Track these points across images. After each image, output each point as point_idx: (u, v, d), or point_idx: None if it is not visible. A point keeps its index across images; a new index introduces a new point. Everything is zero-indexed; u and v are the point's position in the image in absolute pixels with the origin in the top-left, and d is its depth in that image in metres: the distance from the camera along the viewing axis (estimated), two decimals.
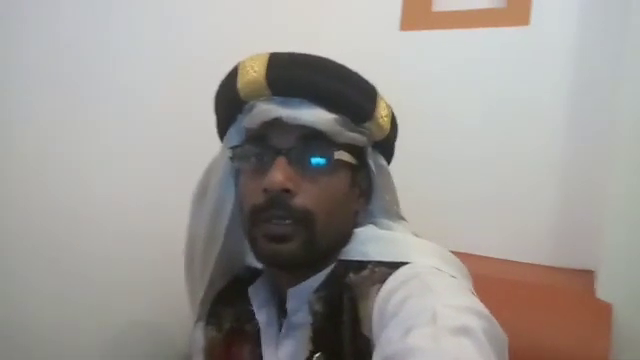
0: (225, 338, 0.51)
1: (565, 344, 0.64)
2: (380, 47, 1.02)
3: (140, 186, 0.68)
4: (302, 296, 0.46)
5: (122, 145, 0.65)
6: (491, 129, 0.93)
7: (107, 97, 0.63)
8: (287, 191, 0.42)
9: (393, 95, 0.51)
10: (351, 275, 0.44)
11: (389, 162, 0.52)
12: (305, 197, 0.43)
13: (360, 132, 0.46)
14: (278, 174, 0.42)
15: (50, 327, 0.58)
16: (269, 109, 0.43)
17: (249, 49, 0.47)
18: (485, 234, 0.92)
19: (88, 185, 0.62)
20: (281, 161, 0.43)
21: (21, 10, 0.53)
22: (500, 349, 0.35)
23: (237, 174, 0.49)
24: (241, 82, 0.45)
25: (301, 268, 0.46)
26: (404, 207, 0.53)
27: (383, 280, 0.42)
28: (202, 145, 0.52)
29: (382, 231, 0.48)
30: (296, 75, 0.44)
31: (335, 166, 0.44)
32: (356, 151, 0.46)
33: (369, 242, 0.46)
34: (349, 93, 0.44)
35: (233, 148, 0.46)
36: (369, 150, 0.48)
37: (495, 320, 0.36)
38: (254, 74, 0.43)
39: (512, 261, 0.89)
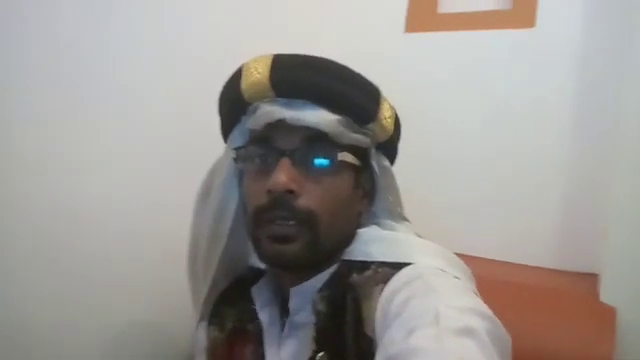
0: (227, 338, 0.52)
1: (569, 347, 0.63)
2: (385, 49, 1.02)
3: (140, 186, 0.68)
4: (305, 295, 0.46)
5: (122, 145, 0.65)
6: (496, 130, 0.93)
7: (107, 97, 0.63)
8: (291, 192, 0.42)
9: (397, 96, 0.51)
10: (354, 275, 0.44)
11: (392, 163, 0.52)
12: (309, 198, 0.43)
13: (364, 133, 0.46)
14: (282, 175, 0.42)
15: (50, 327, 0.58)
16: (273, 110, 0.43)
17: (249, 49, 0.47)
18: (488, 236, 0.92)
19: (88, 185, 0.62)
20: (285, 162, 0.43)
21: (21, 10, 0.53)
22: (503, 350, 0.35)
23: (241, 175, 0.49)
24: (245, 83, 0.45)
25: (304, 269, 0.46)
26: (406, 208, 0.53)
27: (386, 280, 0.42)
28: (202, 145, 0.52)
29: (385, 232, 0.48)
30: (300, 77, 0.44)
31: (339, 167, 0.45)
32: (360, 152, 0.47)
33: (372, 243, 0.46)
34: (352, 94, 0.45)
35: (237, 149, 0.47)
36: (372, 151, 0.48)
37: (498, 321, 0.36)
38: (258, 76, 0.44)
39: (515, 264, 0.88)
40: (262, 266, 0.52)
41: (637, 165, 0.71)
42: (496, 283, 0.66)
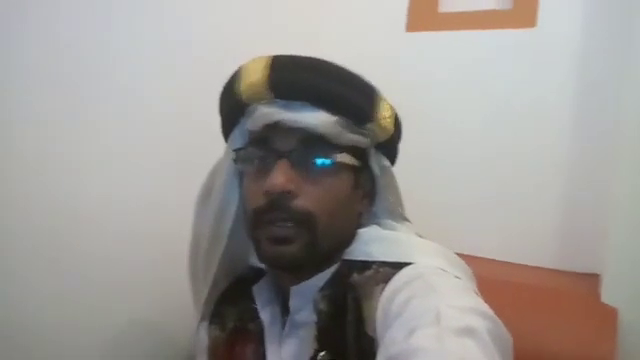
0: (229, 337, 0.52)
1: (570, 348, 0.63)
2: (386, 48, 1.02)
3: (140, 186, 0.68)
4: (305, 295, 0.46)
5: (122, 145, 0.65)
6: (496, 130, 0.93)
7: (107, 97, 0.63)
8: (288, 193, 0.43)
9: (398, 96, 0.51)
10: (355, 275, 0.44)
11: (393, 163, 0.52)
12: (306, 199, 0.43)
13: (362, 134, 0.46)
14: (279, 176, 0.42)
15: (50, 327, 0.58)
16: (271, 112, 0.44)
17: (249, 49, 0.47)
18: (488, 236, 0.92)
19: (88, 185, 0.62)
20: (283, 164, 0.43)
21: (21, 10, 0.53)
22: (504, 350, 0.35)
23: (241, 176, 0.49)
24: (243, 85, 0.45)
25: (304, 269, 0.46)
26: (406, 208, 0.53)
27: (387, 280, 0.42)
28: (202, 145, 0.52)
29: (385, 231, 0.48)
30: (297, 78, 0.44)
31: (337, 168, 0.45)
32: (359, 152, 0.47)
33: (372, 242, 0.46)
34: (350, 95, 0.45)
35: (236, 150, 0.47)
36: (372, 151, 0.48)
37: (499, 321, 0.36)
38: (255, 77, 0.44)
39: (516, 264, 0.88)
40: (262, 265, 0.52)
41: (637, 165, 0.71)
42: (497, 283, 0.66)
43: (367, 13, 1.05)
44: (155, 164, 0.69)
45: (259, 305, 0.51)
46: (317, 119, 0.43)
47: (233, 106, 0.47)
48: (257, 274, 0.53)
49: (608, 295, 0.71)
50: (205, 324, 0.55)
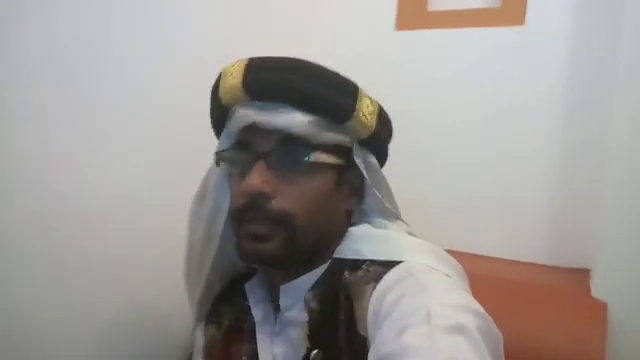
0: (224, 336, 0.52)
1: (560, 342, 0.64)
2: (376, 47, 1.02)
3: (139, 185, 0.68)
4: (295, 293, 0.47)
5: (122, 145, 0.66)
6: (486, 129, 0.93)
7: (107, 97, 0.63)
8: (265, 194, 0.43)
9: (389, 94, 0.51)
10: (347, 274, 0.45)
11: (384, 159, 0.52)
12: (282, 200, 0.43)
13: (342, 132, 0.46)
14: (255, 178, 0.43)
15: (51, 324, 0.58)
16: (247, 114, 0.44)
17: (249, 49, 0.47)
18: (481, 233, 0.93)
19: (88, 183, 0.62)
20: (260, 165, 0.43)
21: (21, 10, 0.53)
22: (495, 347, 0.35)
23: (230, 177, 0.49)
24: (223, 88, 0.45)
25: (286, 266, 0.47)
26: (401, 207, 0.53)
27: (378, 279, 0.42)
28: (202, 145, 0.52)
29: (375, 230, 0.49)
30: (272, 79, 0.44)
31: (314, 167, 0.44)
32: (342, 150, 0.46)
33: (362, 241, 0.47)
34: (326, 94, 0.44)
35: (218, 153, 0.48)
36: (355, 148, 0.47)
37: (490, 318, 0.37)
38: (233, 80, 0.44)
39: (508, 260, 0.89)
40: (255, 266, 0.52)
41: (627, 162, 0.72)
42: (489, 280, 0.67)
43: (357, 13, 1.06)
44: (155, 164, 0.69)
45: (251, 303, 0.51)
46: (291, 120, 0.43)
47: (217, 109, 0.48)
48: (252, 273, 0.53)
49: (598, 290, 0.72)
50: (201, 324, 0.55)
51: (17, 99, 0.54)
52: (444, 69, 0.97)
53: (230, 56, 0.47)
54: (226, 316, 0.53)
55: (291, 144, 0.44)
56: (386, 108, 0.50)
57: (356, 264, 0.45)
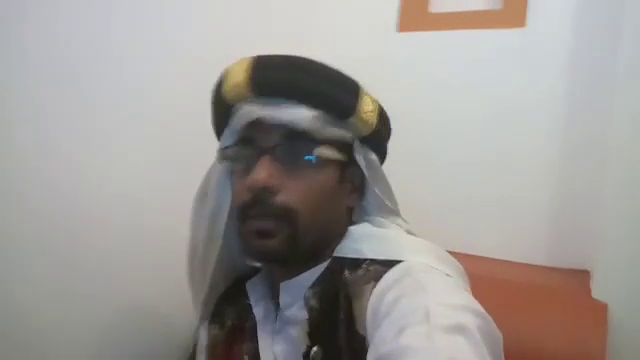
0: (227, 336, 0.52)
1: (561, 343, 0.64)
2: (378, 48, 1.02)
3: (139, 185, 0.68)
4: (295, 291, 0.47)
5: (122, 145, 0.66)
6: (487, 130, 0.93)
7: (107, 97, 0.64)
8: (270, 188, 0.43)
9: (390, 94, 0.52)
10: (347, 273, 0.45)
11: (383, 157, 0.53)
12: (287, 194, 0.44)
13: (345, 128, 0.46)
14: (261, 172, 0.43)
15: (51, 323, 0.58)
16: (252, 110, 0.44)
17: (249, 49, 0.47)
18: (481, 234, 0.93)
19: (88, 183, 0.62)
20: (265, 160, 0.44)
21: (21, 10, 0.53)
22: (495, 347, 0.35)
23: (232, 175, 0.49)
24: (227, 87, 0.46)
25: (289, 263, 0.47)
26: (402, 208, 0.53)
27: (377, 278, 0.42)
28: (202, 145, 0.52)
29: (375, 229, 0.49)
30: (277, 76, 0.44)
31: (320, 162, 0.45)
32: (344, 147, 0.47)
33: (362, 240, 0.47)
34: (330, 90, 0.45)
35: (222, 149, 0.48)
36: (357, 145, 0.48)
37: (490, 318, 0.37)
38: (238, 78, 0.45)
39: (508, 261, 0.89)
40: (258, 264, 0.52)
41: (628, 164, 0.72)
42: (489, 280, 0.67)
43: (359, 14, 1.06)
44: (155, 163, 0.69)
45: (253, 301, 0.51)
46: (297, 115, 0.44)
47: (220, 108, 0.48)
48: (255, 272, 0.54)
49: (598, 291, 0.71)
50: (205, 324, 0.55)
51: (17, 99, 0.54)
52: (445, 70, 0.98)
53: (230, 56, 0.47)
54: (229, 316, 0.53)
55: (296, 139, 0.44)
56: (387, 108, 0.51)
57: (356, 263, 0.45)
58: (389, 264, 0.43)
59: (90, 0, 0.61)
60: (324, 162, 0.45)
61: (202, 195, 0.52)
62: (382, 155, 0.52)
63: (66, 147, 0.59)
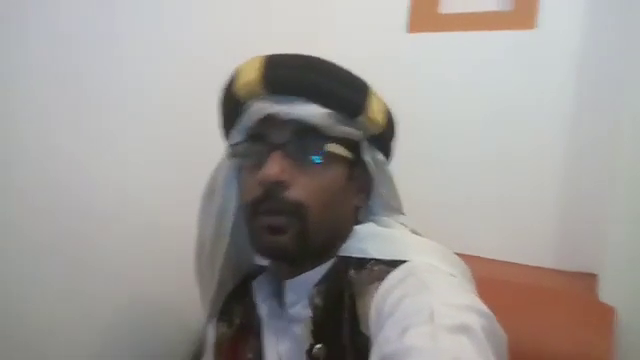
0: (234, 334, 0.52)
1: (568, 347, 0.63)
2: (388, 48, 1.02)
3: (140, 185, 0.68)
4: (300, 289, 0.47)
5: (122, 145, 0.66)
6: (496, 131, 0.93)
7: (108, 96, 0.63)
8: (282, 183, 0.43)
9: (400, 95, 0.52)
10: (352, 272, 0.45)
11: (388, 159, 0.53)
12: (298, 189, 0.44)
13: (354, 126, 0.47)
14: (274, 166, 0.43)
15: (56, 323, 0.58)
16: (264, 106, 0.45)
17: (249, 49, 0.48)
18: (487, 236, 0.92)
19: (90, 183, 0.62)
20: (277, 155, 0.44)
21: (22, 9, 0.54)
22: (499, 347, 0.35)
23: (240, 173, 0.49)
24: (238, 84, 0.47)
25: (298, 260, 0.47)
26: (406, 208, 0.53)
27: (382, 278, 0.42)
28: (202, 145, 0.52)
29: (380, 228, 0.49)
30: (290, 74, 0.45)
31: (329, 159, 0.45)
32: (352, 146, 0.47)
33: (367, 239, 0.47)
34: (340, 89, 0.46)
35: (232, 146, 0.48)
36: (365, 144, 0.49)
37: (494, 318, 0.36)
38: (251, 76, 0.45)
39: (514, 263, 0.89)
40: (266, 262, 0.52)
41: (635, 165, 0.71)
42: (495, 283, 0.66)
43: (369, 14, 1.06)
44: (155, 163, 0.69)
45: (259, 299, 0.51)
46: (308, 111, 0.44)
47: (231, 106, 0.49)
48: (261, 271, 0.54)
49: (606, 294, 0.71)
50: (213, 321, 0.55)
51: (19, 99, 0.54)
52: (455, 71, 0.97)
53: (230, 56, 0.47)
54: (237, 314, 0.53)
55: (307, 135, 0.45)
56: (397, 109, 0.51)
57: (361, 263, 0.45)
58: (394, 264, 0.43)
59: (91, 0, 0.61)
60: (334, 159, 0.46)
61: (209, 192, 0.52)
62: (388, 155, 0.53)
63: (68, 147, 0.59)
